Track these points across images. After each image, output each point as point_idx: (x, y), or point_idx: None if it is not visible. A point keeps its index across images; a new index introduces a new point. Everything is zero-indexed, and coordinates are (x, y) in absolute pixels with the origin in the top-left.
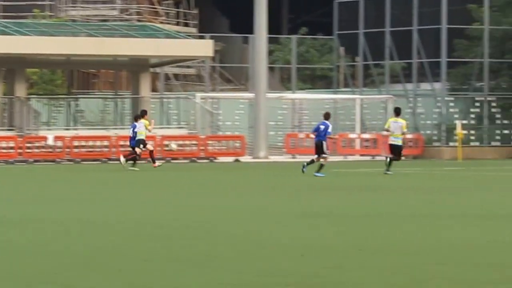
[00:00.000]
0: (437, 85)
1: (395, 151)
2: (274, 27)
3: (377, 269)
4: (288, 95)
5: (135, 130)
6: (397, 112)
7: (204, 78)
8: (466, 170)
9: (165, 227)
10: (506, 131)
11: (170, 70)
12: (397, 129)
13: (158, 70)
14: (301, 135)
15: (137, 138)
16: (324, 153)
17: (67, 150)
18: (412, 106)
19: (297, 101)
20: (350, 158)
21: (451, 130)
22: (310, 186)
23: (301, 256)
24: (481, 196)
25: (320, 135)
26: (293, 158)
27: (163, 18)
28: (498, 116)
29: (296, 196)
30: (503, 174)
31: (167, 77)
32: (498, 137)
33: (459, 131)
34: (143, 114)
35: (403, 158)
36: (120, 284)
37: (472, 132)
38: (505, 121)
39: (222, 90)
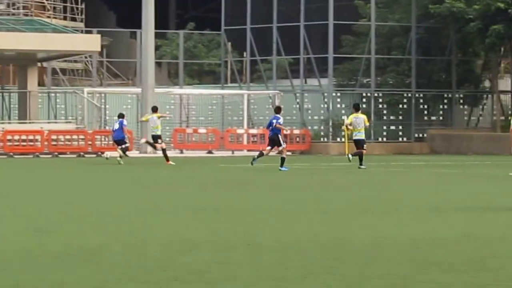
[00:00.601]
0: (324, 81)
1: (359, 145)
2: (161, 22)
3: (266, 264)
4: (176, 90)
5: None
6: (356, 108)
7: (91, 73)
8: (353, 165)
9: (47, 223)
10: (392, 127)
11: (58, 64)
12: (359, 124)
13: (45, 64)
14: (189, 130)
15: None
16: (281, 145)
17: None
18: (299, 102)
19: (184, 96)
20: (237, 153)
21: (338, 125)
22: (199, 181)
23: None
24: (363, 191)
25: (274, 129)
26: (181, 153)
27: (50, 12)
28: (384, 112)
29: (185, 190)
30: (390, 170)
31: (54, 72)
32: (385, 133)
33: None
34: (155, 109)
35: (289, 154)
36: None
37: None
38: (392, 117)
39: (109, 85)
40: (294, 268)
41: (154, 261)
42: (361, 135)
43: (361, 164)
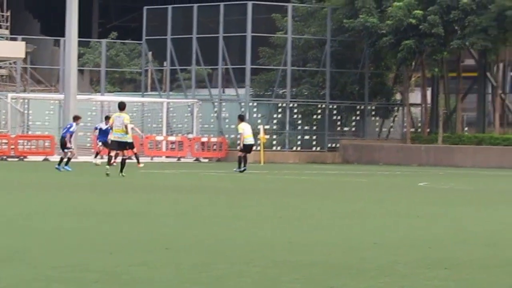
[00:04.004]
0: (241, 91)
1: (248, 148)
2: (84, 31)
3: (184, 266)
4: (97, 97)
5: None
6: (241, 118)
7: (15, 78)
8: (268, 173)
9: None
10: (306, 137)
11: None
12: (249, 130)
13: None
14: (110, 137)
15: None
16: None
17: None
18: (217, 111)
19: (106, 103)
20: (156, 159)
21: (254, 134)
22: (114, 185)
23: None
24: (279, 198)
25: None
26: (102, 158)
27: None
28: (299, 122)
29: (106, 194)
30: (303, 178)
31: None
32: (299, 142)
33: (262, 135)
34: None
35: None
36: None
37: (275, 137)
38: (306, 127)
39: (33, 91)
40: (210, 271)
41: (75, 263)
42: (251, 141)
43: (239, 168)
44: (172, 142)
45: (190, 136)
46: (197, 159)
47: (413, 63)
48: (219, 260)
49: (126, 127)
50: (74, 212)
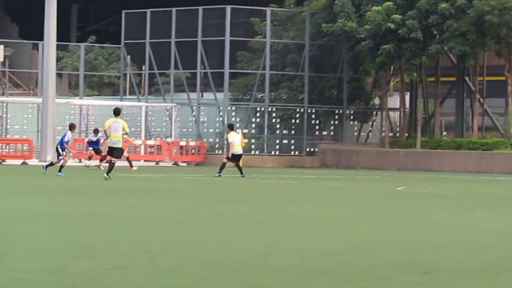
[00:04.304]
0: (220, 95)
1: (237, 158)
2: (63, 35)
3: (161, 270)
4: (76, 101)
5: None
6: (231, 127)
7: None
8: (246, 177)
9: None
10: (285, 141)
11: None
12: (239, 140)
13: None
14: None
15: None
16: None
17: None
18: (195, 115)
19: (84, 107)
20: (135, 163)
21: None
22: (95, 189)
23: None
24: (256, 203)
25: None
26: (80, 162)
27: None
28: (277, 126)
29: (85, 198)
30: (282, 182)
31: None
32: (277, 146)
33: (241, 139)
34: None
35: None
36: None
37: (253, 141)
38: (285, 131)
39: (11, 94)
40: (187, 276)
41: (53, 267)
42: (239, 151)
43: (220, 172)
44: (151, 146)
45: (169, 140)
46: (175, 163)
47: (392, 68)
48: (196, 265)
49: (126, 134)
50: (52, 216)
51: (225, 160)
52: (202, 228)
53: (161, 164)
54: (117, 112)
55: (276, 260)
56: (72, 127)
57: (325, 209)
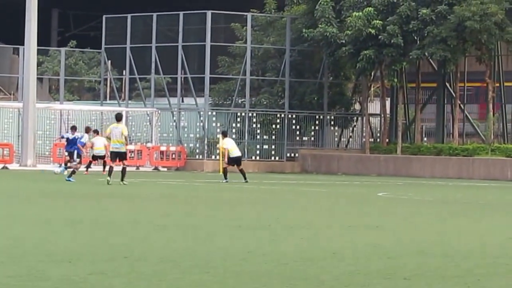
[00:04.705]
0: (200, 100)
1: (237, 161)
2: (44, 39)
3: (142, 275)
4: (56, 105)
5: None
6: (225, 134)
7: None
8: (227, 182)
9: None
10: (265, 146)
11: None
12: (233, 144)
13: None
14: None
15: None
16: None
17: None
18: (176, 120)
19: (65, 112)
20: (115, 168)
21: (213, 143)
22: (75, 193)
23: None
24: (237, 208)
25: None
26: (60, 167)
27: None
28: (258, 131)
29: (65, 202)
30: (262, 188)
31: None
32: (258, 152)
33: (221, 144)
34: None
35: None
36: None
37: None
38: (265, 137)
39: None
40: (168, 280)
41: (34, 271)
42: (237, 153)
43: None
44: (131, 151)
45: (149, 145)
46: (156, 168)
47: (372, 73)
48: (177, 269)
49: (125, 138)
50: (33, 220)
51: (225, 165)
52: (183, 233)
53: (141, 169)
54: (118, 117)
55: (256, 266)
56: (88, 130)
57: (306, 215)
